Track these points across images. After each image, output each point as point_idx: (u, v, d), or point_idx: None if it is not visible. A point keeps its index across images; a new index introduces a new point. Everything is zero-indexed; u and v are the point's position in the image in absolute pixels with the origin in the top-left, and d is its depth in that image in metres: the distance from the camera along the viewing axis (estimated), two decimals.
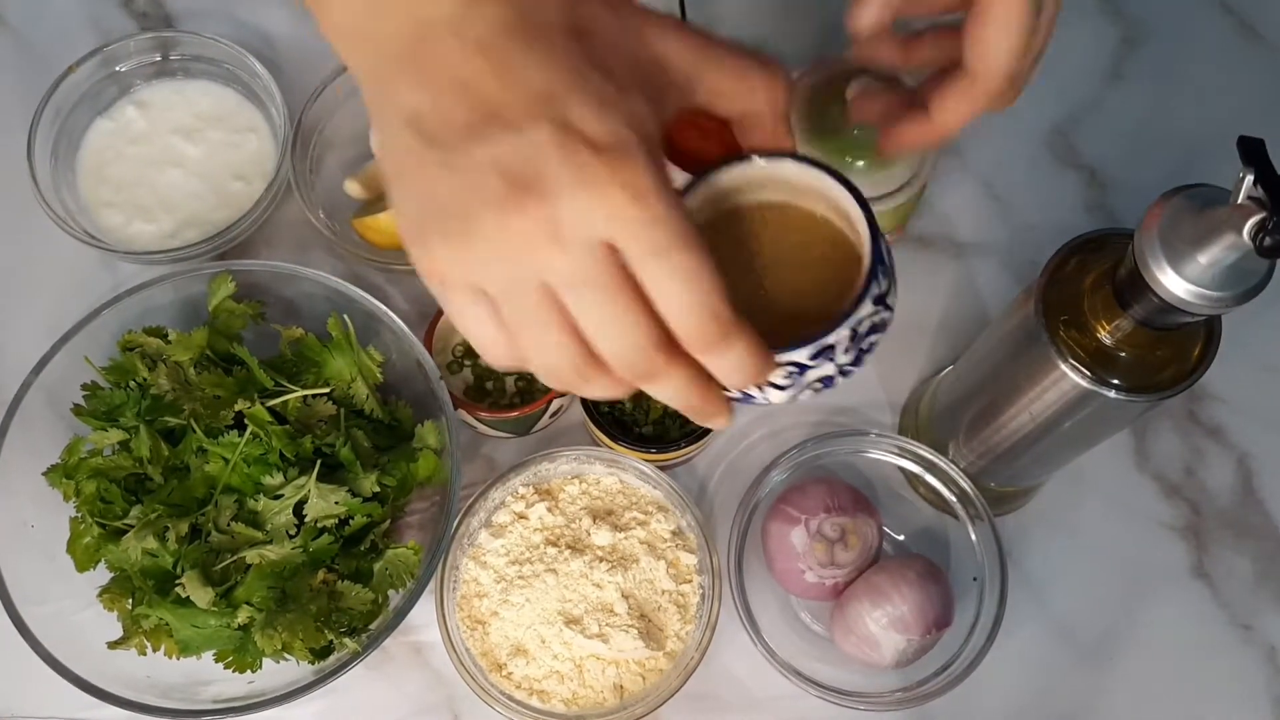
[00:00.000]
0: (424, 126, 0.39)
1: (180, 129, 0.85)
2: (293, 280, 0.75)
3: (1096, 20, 0.92)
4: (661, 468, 0.75)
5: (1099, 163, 0.88)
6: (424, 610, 0.72)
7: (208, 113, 0.86)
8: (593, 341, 0.40)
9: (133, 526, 0.68)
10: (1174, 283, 0.50)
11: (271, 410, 0.70)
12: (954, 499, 0.73)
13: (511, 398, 0.79)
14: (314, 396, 0.71)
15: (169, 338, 0.73)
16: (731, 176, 0.47)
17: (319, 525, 0.69)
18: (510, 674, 0.72)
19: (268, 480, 0.69)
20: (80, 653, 0.68)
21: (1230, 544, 0.79)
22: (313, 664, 0.68)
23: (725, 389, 0.43)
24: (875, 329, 0.47)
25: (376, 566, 0.70)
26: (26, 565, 0.70)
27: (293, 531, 0.69)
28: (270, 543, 0.68)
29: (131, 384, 0.72)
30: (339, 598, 0.68)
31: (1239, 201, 0.47)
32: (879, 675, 0.72)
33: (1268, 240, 0.46)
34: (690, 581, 0.73)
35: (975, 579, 0.72)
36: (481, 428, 0.79)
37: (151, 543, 0.67)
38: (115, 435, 0.70)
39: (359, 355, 0.72)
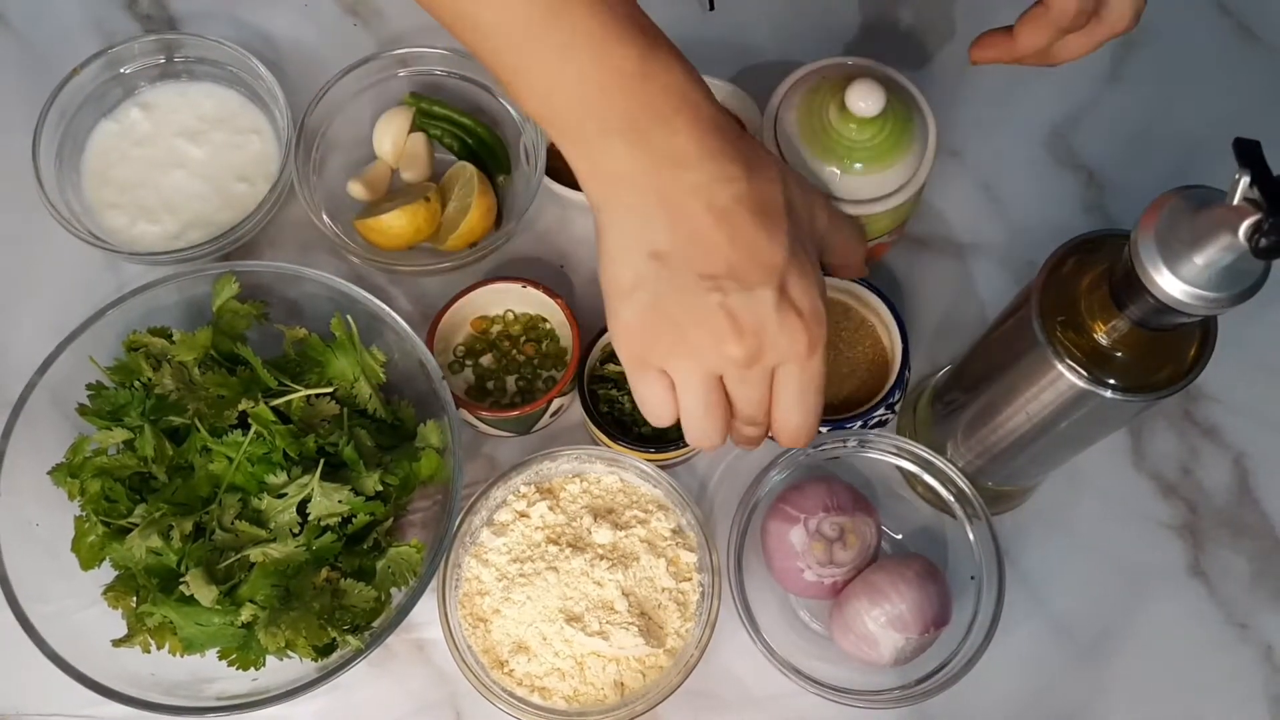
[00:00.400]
0: (669, 263, 0.54)
1: (184, 131, 0.86)
2: (296, 281, 0.75)
3: None
4: (662, 467, 0.75)
5: (1097, 164, 0.88)
6: (426, 608, 0.72)
7: (211, 114, 0.86)
8: (736, 412, 0.60)
9: (137, 525, 0.68)
10: (1170, 283, 0.50)
11: (275, 410, 0.70)
12: (952, 498, 0.73)
13: (512, 397, 0.80)
14: (317, 396, 0.72)
15: (173, 338, 0.73)
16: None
17: (322, 524, 0.69)
18: (512, 671, 0.72)
19: (271, 479, 0.69)
20: (85, 651, 0.69)
21: (1227, 543, 0.79)
22: (316, 661, 0.68)
23: None
24: (879, 424, 0.76)
25: (379, 564, 0.70)
26: (30, 564, 0.70)
27: (296, 530, 0.69)
28: (274, 541, 0.68)
29: (136, 384, 0.72)
30: (342, 595, 0.69)
31: (1235, 203, 0.48)
32: (877, 673, 0.72)
33: (1263, 241, 0.46)
34: (690, 579, 0.74)
35: (973, 578, 0.73)
36: (482, 427, 0.79)
37: (156, 541, 0.67)
38: (120, 434, 0.70)
39: (362, 355, 0.73)
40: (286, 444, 0.69)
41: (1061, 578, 0.78)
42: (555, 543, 0.73)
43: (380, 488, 0.70)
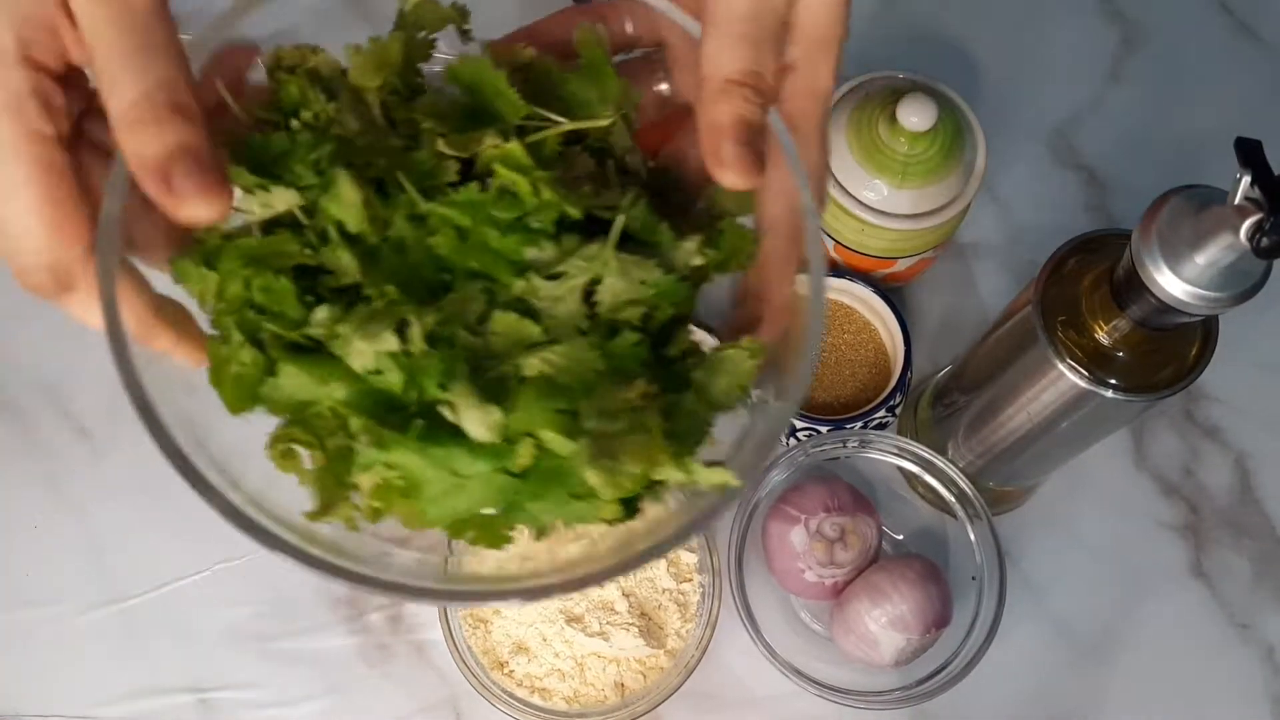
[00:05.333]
0: None
1: None
2: None
3: (1096, 21, 0.92)
4: None
5: (1098, 163, 0.88)
6: (426, 609, 0.72)
7: None
8: None
9: (312, 339, 0.43)
10: (1171, 283, 0.50)
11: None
12: (953, 499, 0.73)
13: None
14: (581, 137, 0.47)
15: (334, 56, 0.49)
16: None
17: (618, 318, 0.44)
18: (512, 672, 0.72)
19: (536, 253, 0.44)
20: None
21: (1228, 543, 0.79)
22: (616, 521, 0.44)
23: None
24: (880, 424, 0.71)
25: (697, 376, 0.46)
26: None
27: (583, 326, 0.44)
28: (555, 343, 0.43)
29: (296, 123, 0.47)
30: (676, 418, 0.44)
31: (1236, 202, 0.47)
32: (878, 674, 0.72)
33: (1265, 241, 0.46)
34: (691, 580, 0.74)
35: (974, 578, 0.73)
36: None
37: (390, 343, 0.42)
38: (286, 197, 0.44)
39: (620, 85, 0.48)
40: (557, 198, 0.44)
41: (1063, 578, 0.78)
42: None
43: (703, 258, 0.46)
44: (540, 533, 0.44)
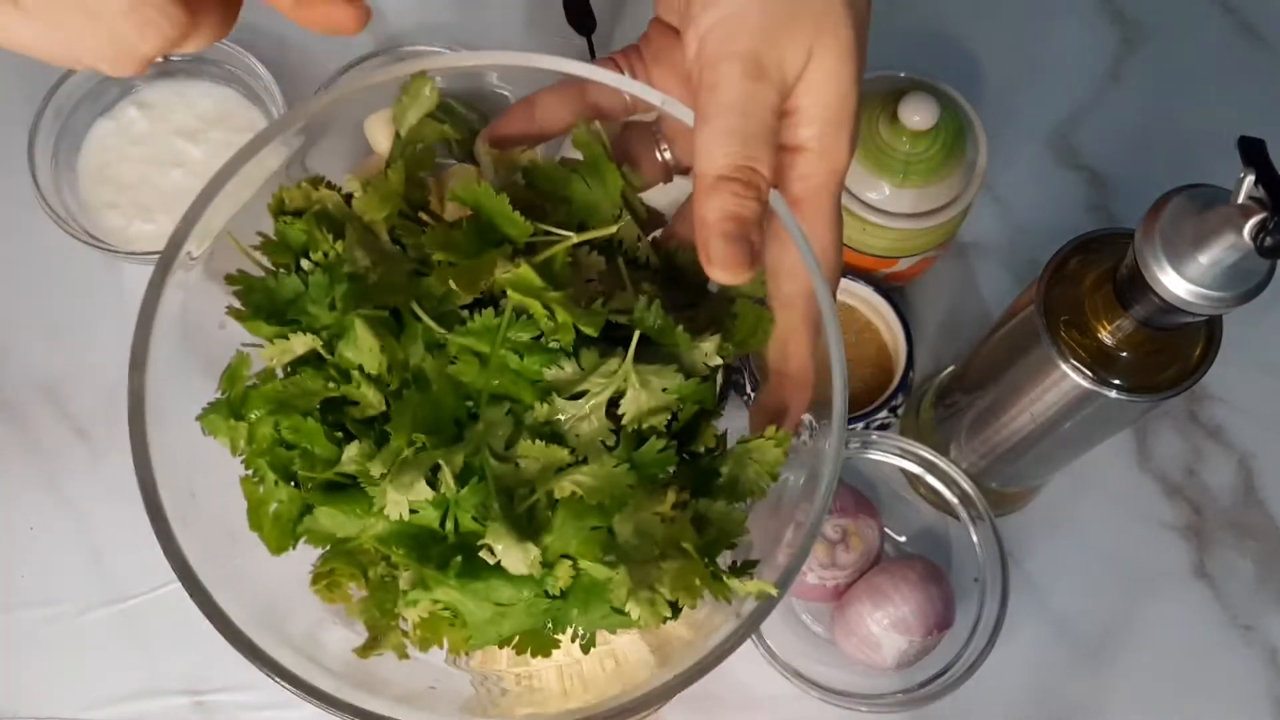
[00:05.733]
0: None
1: (182, 130, 0.85)
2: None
3: (1097, 21, 0.92)
4: None
5: (1100, 163, 0.88)
6: None
7: (209, 113, 0.86)
8: None
9: (347, 475, 0.44)
10: (1175, 283, 0.50)
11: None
12: (955, 500, 0.73)
13: None
14: (588, 244, 0.46)
15: (342, 190, 0.48)
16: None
17: (644, 428, 0.44)
18: (511, 672, 0.71)
19: (556, 375, 0.44)
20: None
21: (1232, 544, 0.79)
22: (658, 624, 0.44)
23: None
24: (882, 425, 0.73)
25: (725, 470, 0.46)
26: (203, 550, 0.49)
27: (610, 443, 0.44)
28: (584, 463, 0.43)
29: (307, 264, 0.46)
30: (706, 525, 0.45)
31: (1239, 202, 0.47)
32: (880, 677, 0.72)
33: (1268, 240, 0.46)
34: None
35: (976, 580, 0.72)
36: None
37: (423, 491, 0.42)
38: (304, 342, 0.44)
39: (619, 181, 0.48)
40: (573, 319, 0.43)
41: (1066, 579, 0.78)
42: None
43: (720, 359, 0.46)
44: (585, 647, 0.45)
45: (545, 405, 0.43)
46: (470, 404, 0.44)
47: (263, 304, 0.45)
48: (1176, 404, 0.81)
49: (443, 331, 0.44)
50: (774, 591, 0.43)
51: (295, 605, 0.46)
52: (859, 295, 0.78)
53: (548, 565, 0.43)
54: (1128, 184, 0.87)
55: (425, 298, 0.44)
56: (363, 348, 0.43)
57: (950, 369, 0.79)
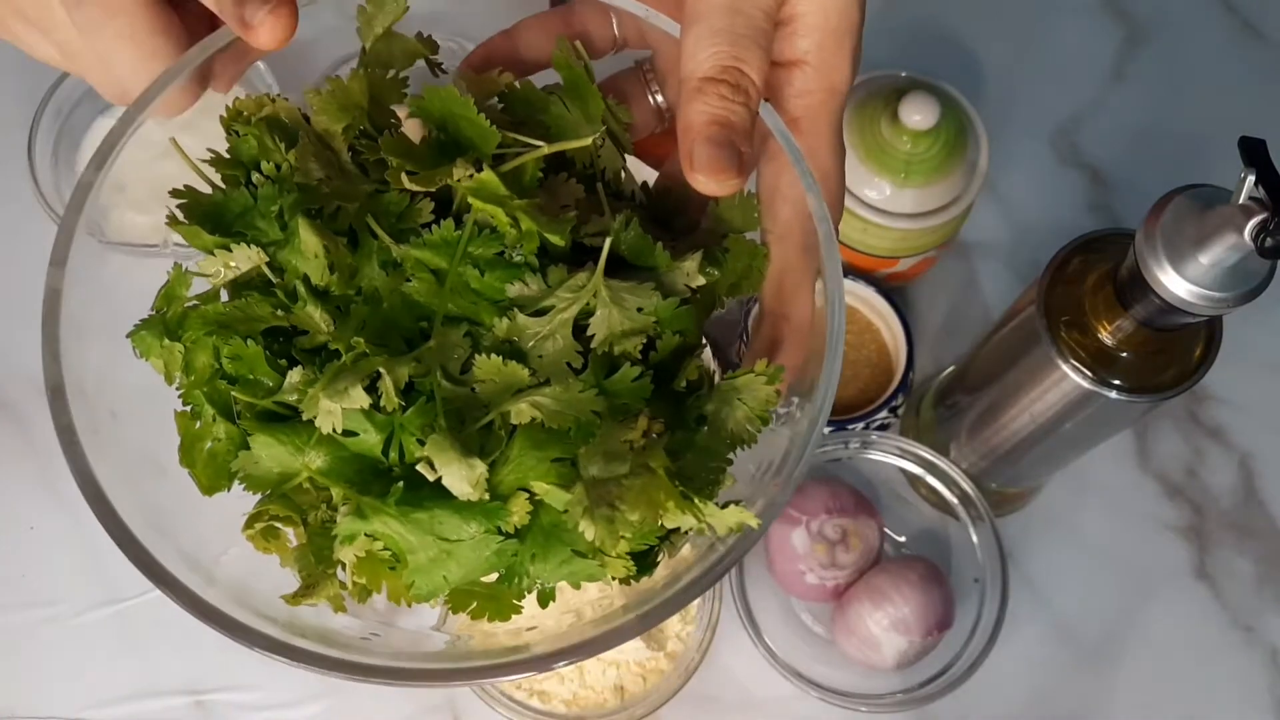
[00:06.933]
0: None
1: (180, 123, 0.85)
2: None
3: (1099, 20, 0.92)
4: None
5: (1101, 163, 0.88)
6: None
7: (207, 106, 0.86)
8: None
9: (289, 405, 0.39)
10: (1175, 283, 0.50)
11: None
12: (955, 500, 0.73)
13: None
14: (560, 158, 0.42)
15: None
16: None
17: (615, 351, 0.39)
18: None
19: (520, 289, 0.39)
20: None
21: (1232, 545, 0.79)
22: (626, 580, 0.39)
23: None
24: (882, 425, 0.72)
25: (709, 409, 0.40)
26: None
27: (577, 365, 0.39)
28: (545, 385, 0.38)
29: (258, 175, 0.43)
30: (685, 458, 0.39)
31: (1240, 202, 0.47)
32: (880, 677, 0.72)
33: (1269, 241, 0.46)
34: None
35: (976, 580, 0.72)
36: None
37: (361, 398, 0.37)
38: (248, 254, 0.40)
39: (601, 105, 0.43)
40: (537, 226, 0.39)
41: (1066, 580, 0.78)
42: None
43: (705, 278, 0.41)
44: (543, 598, 0.39)
45: (505, 321, 0.38)
46: (425, 324, 0.39)
47: (207, 217, 0.41)
48: (1177, 404, 0.81)
49: (395, 244, 0.39)
50: (755, 522, 0.37)
51: (228, 553, 0.41)
52: (859, 295, 0.78)
53: (502, 497, 0.37)
54: (1129, 183, 0.87)
55: (382, 214, 0.40)
56: (306, 252, 0.39)
57: (951, 369, 0.79)
